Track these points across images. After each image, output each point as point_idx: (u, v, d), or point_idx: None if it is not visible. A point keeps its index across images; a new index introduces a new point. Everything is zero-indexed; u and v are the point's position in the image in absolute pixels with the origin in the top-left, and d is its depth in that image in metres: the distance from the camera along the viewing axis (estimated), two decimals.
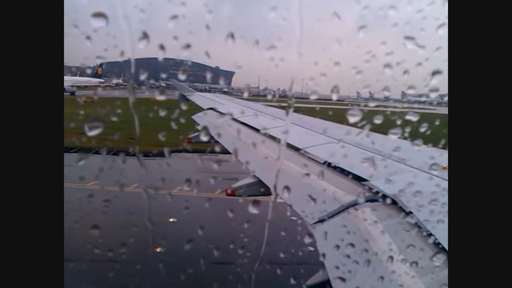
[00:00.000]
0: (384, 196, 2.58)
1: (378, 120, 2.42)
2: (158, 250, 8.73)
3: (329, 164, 3.55)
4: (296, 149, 4.22)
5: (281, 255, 5.25)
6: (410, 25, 2.37)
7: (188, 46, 1.94)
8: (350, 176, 3.08)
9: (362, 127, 2.47)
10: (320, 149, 4.15)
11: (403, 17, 2.30)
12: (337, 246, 2.23)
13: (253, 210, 2.36)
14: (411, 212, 2.33)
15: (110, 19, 1.66)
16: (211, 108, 8.43)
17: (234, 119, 6.10)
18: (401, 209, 2.41)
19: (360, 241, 2.21)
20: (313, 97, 2.55)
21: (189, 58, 2.01)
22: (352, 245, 2.17)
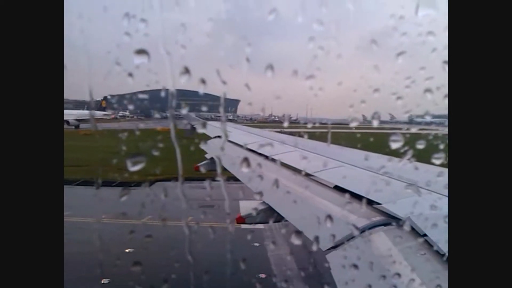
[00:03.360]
0: (398, 219, 2.53)
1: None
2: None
3: (340, 189, 3.51)
4: (307, 174, 4.19)
5: None
6: None
7: (224, 83, 2.00)
8: (362, 200, 3.03)
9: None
10: (329, 173, 4.11)
11: (441, 42, 2.30)
12: (352, 272, 2.17)
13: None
14: (425, 235, 2.27)
15: (152, 55, 1.75)
16: (218, 136, 8.44)
17: (241, 146, 6.11)
18: (416, 232, 2.35)
19: (375, 266, 2.15)
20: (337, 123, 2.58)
21: (203, 90, 2.05)
22: (365, 268, 2.12)
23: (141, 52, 1.76)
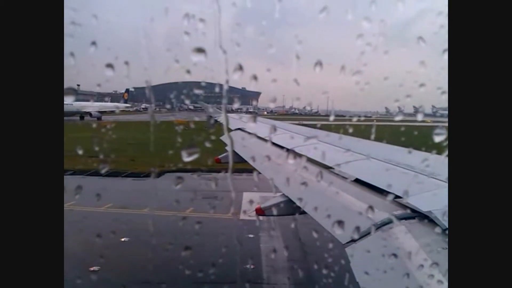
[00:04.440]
0: (421, 214, 2.49)
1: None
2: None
3: (360, 182, 3.47)
4: (326, 166, 4.16)
5: None
6: None
7: (274, 80, 2.23)
8: (384, 193, 2.98)
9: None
10: (350, 166, 4.06)
11: None
12: (372, 266, 2.15)
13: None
14: (447, 229, 2.23)
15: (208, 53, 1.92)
16: (239, 129, 8.40)
17: (263, 139, 6.09)
18: (438, 226, 2.31)
19: (395, 260, 2.12)
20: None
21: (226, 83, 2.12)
22: (385, 264, 2.10)
23: (199, 50, 1.90)
